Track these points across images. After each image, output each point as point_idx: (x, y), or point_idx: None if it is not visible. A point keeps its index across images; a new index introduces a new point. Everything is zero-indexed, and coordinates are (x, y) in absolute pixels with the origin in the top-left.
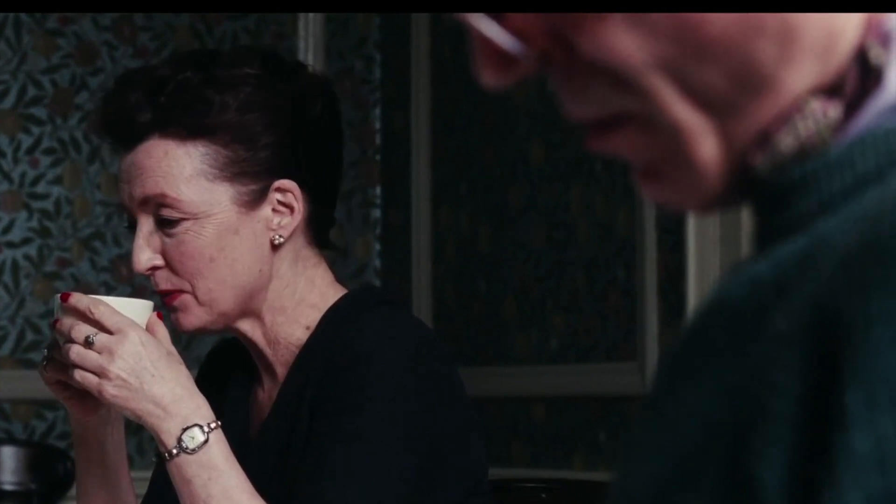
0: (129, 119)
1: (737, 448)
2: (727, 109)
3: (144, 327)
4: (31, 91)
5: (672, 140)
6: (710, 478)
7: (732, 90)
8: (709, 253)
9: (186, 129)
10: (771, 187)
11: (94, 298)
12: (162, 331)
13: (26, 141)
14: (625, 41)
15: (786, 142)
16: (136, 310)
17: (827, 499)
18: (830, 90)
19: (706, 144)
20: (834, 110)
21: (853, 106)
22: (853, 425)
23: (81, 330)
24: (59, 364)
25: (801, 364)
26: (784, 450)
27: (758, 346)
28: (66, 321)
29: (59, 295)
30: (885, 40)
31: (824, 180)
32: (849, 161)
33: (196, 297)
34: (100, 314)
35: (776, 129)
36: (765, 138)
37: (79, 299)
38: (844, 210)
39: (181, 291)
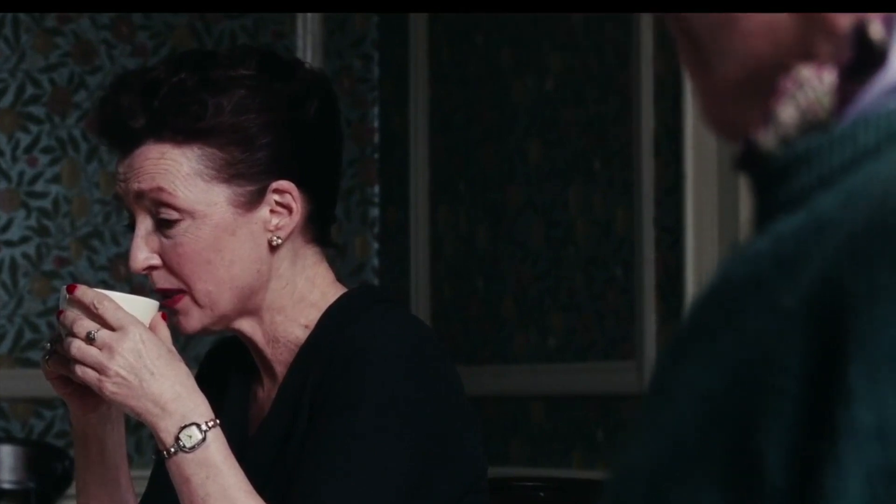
0: (123, 125)
1: (740, 425)
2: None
3: (147, 326)
4: (30, 90)
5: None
6: (714, 454)
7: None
8: (707, 251)
9: (181, 133)
10: (776, 161)
11: (100, 293)
12: (164, 330)
13: (24, 139)
14: None
15: (787, 112)
16: (140, 308)
17: (829, 473)
18: (821, 58)
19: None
20: (829, 75)
21: (853, 80)
22: (856, 400)
23: (84, 325)
24: (61, 358)
25: (804, 340)
26: (787, 426)
27: (759, 322)
28: (70, 314)
29: (66, 286)
30: (887, 20)
31: (826, 154)
32: (851, 136)
33: (195, 300)
34: (104, 309)
35: (776, 103)
36: (767, 115)
37: (84, 292)
38: (840, 186)
39: (180, 292)
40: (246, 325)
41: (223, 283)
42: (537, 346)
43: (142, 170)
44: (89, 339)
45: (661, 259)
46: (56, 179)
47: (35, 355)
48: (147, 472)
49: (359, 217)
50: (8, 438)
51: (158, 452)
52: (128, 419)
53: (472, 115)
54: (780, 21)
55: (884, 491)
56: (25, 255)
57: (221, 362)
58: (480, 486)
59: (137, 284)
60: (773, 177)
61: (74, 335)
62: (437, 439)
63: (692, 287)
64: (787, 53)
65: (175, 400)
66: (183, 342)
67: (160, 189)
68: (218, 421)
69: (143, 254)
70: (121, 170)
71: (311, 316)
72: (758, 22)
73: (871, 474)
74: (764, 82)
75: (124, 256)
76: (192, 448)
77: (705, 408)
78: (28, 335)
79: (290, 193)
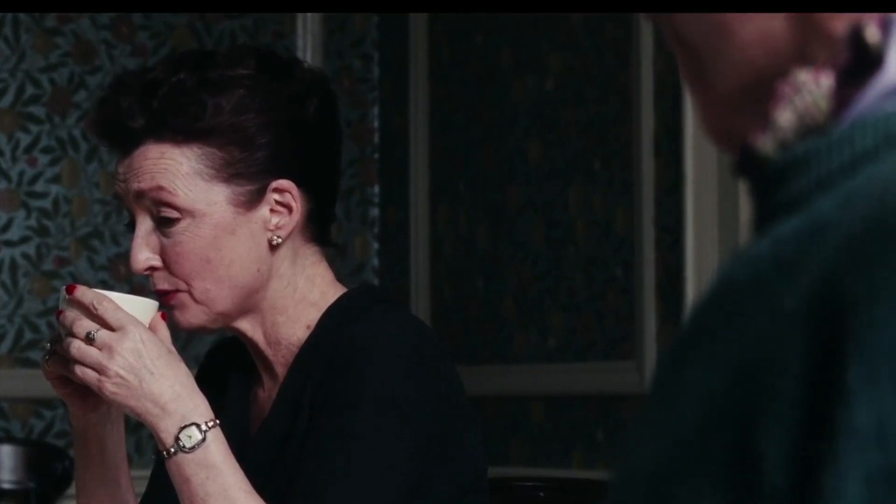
0: (123, 125)
1: (741, 425)
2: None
3: (147, 326)
4: (30, 90)
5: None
6: (714, 455)
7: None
8: (707, 252)
9: (181, 133)
10: (774, 165)
11: (99, 293)
12: (164, 330)
13: (24, 139)
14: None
15: (785, 116)
16: (140, 308)
17: (828, 475)
18: (818, 63)
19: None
20: (826, 79)
21: (850, 83)
22: (854, 401)
23: (83, 325)
24: (61, 358)
25: (804, 341)
26: (787, 426)
27: (759, 323)
28: (70, 314)
29: (65, 286)
30: (882, 23)
31: (825, 157)
32: (849, 139)
33: (193, 297)
34: (103, 310)
35: (774, 108)
36: (766, 121)
37: (83, 293)
38: (839, 188)
39: (178, 291)
40: (246, 326)
41: (222, 282)
42: (537, 346)
43: (142, 170)
44: (89, 340)
45: (661, 259)
46: (56, 179)
47: (35, 355)
48: (147, 472)
49: (359, 217)
50: (8, 438)
51: (158, 452)
52: (128, 419)
53: (472, 115)
54: (776, 28)
55: (883, 491)
56: (25, 255)
57: (221, 362)
58: (480, 486)
59: (137, 284)
60: (771, 180)
61: (74, 335)
62: (437, 439)
63: (692, 287)
64: (784, 60)
65: (175, 400)
66: (183, 342)
67: (160, 188)
68: (218, 421)
69: (143, 254)
70: (120, 170)
71: (312, 316)
72: (753, 30)
73: (870, 475)
74: (762, 90)
75: (124, 256)
76: (192, 448)
77: (706, 408)
78: (28, 335)
79: (290, 192)
